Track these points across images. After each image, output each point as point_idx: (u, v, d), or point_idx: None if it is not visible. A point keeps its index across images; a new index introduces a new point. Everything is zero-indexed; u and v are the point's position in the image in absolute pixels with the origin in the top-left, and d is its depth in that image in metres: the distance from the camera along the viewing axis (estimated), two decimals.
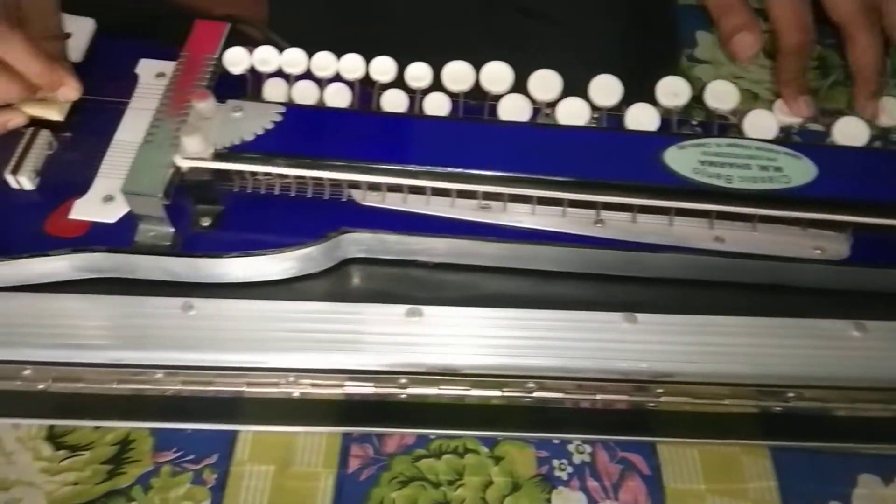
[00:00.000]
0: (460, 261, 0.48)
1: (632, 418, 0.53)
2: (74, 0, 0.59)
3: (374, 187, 0.46)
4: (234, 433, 0.54)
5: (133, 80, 0.51)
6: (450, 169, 0.43)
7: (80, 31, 0.52)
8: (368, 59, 0.48)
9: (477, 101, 0.47)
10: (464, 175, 0.43)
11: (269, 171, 0.44)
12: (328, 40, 0.65)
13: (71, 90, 0.45)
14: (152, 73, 0.52)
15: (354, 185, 0.46)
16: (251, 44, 0.62)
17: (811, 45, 0.48)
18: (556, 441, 0.55)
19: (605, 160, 0.43)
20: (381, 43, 0.62)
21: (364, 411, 0.54)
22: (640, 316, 0.46)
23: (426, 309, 0.46)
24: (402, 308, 0.46)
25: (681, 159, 0.43)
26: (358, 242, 0.47)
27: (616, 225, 0.46)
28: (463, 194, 0.45)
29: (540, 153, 0.44)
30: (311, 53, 0.56)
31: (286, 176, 0.45)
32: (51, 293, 0.45)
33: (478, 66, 0.47)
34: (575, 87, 0.48)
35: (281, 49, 0.49)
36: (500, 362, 0.45)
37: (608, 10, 0.54)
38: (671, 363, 0.45)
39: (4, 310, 0.45)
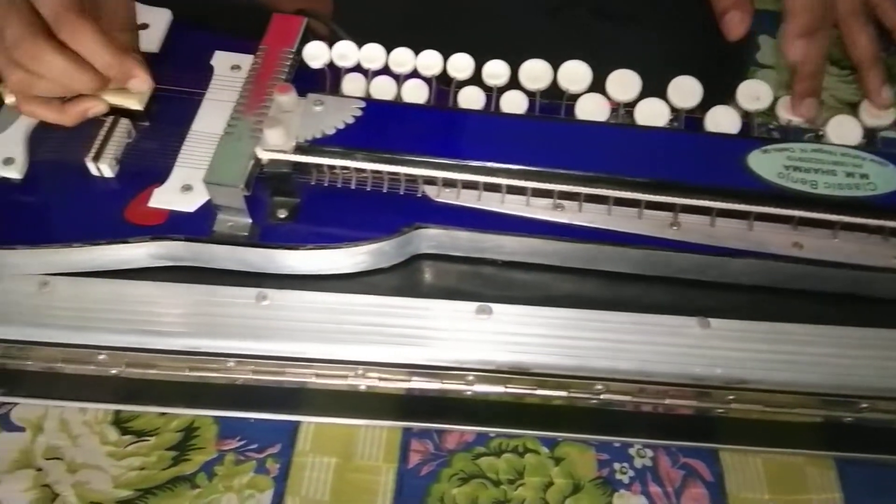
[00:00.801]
0: (531, 260, 0.47)
1: (695, 424, 0.53)
2: None
3: (448, 184, 0.46)
4: (296, 424, 0.54)
5: (208, 71, 0.52)
6: (526, 167, 0.43)
7: (156, 21, 0.53)
8: (445, 57, 0.48)
9: (553, 101, 0.47)
10: (540, 173, 0.43)
11: (347, 166, 0.44)
12: (394, 36, 0.66)
13: (141, 82, 0.46)
14: (227, 66, 0.52)
15: (430, 181, 0.46)
16: (316, 38, 0.63)
17: (827, 29, 0.47)
18: (616, 444, 0.54)
19: (687, 162, 0.43)
20: (450, 41, 0.62)
21: (424, 406, 0.54)
22: (713, 321, 0.46)
23: (496, 307, 0.46)
24: (471, 305, 0.46)
25: (765, 163, 0.42)
26: (430, 238, 0.47)
27: (693, 228, 0.45)
28: (538, 193, 0.45)
29: (618, 153, 0.43)
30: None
31: (363, 170, 0.45)
32: (128, 279, 0.46)
33: (551, 66, 0.47)
34: (649, 87, 0.47)
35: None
36: (570, 363, 0.45)
37: (681, 10, 0.54)
38: (745, 370, 0.45)
39: (83, 294, 0.46)
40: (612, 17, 0.56)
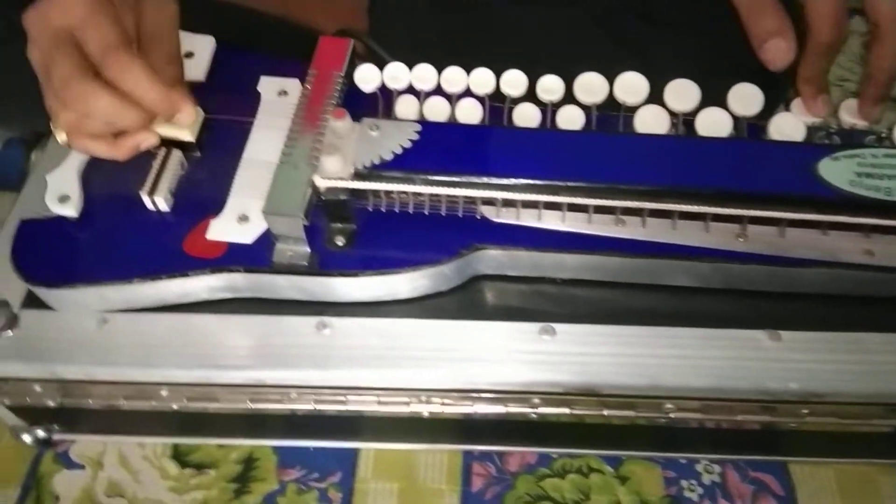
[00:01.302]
0: (594, 277, 0.47)
1: (763, 437, 0.52)
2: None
3: (508, 203, 0.45)
4: (356, 450, 0.54)
5: (255, 97, 0.51)
6: (589, 184, 0.43)
7: (201, 49, 0.53)
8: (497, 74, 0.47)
9: (610, 112, 0.46)
10: (603, 189, 0.42)
11: (406, 190, 0.43)
12: (431, 53, 0.65)
13: (187, 115, 0.45)
14: (274, 91, 0.51)
15: (488, 201, 0.45)
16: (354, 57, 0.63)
17: (841, 43, 0.45)
18: (682, 461, 0.53)
19: (754, 172, 0.42)
20: (489, 55, 0.61)
21: (485, 428, 0.53)
22: (784, 333, 0.45)
23: (559, 326, 0.45)
24: (534, 326, 0.46)
25: (835, 171, 0.41)
26: (489, 259, 0.46)
27: (761, 238, 0.44)
28: (600, 210, 0.44)
29: (683, 165, 0.42)
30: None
31: (421, 193, 0.44)
32: (189, 313, 0.46)
33: (606, 78, 0.46)
34: (706, 95, 0.46)
35: (383, 63, 0.49)
36: (639, 382, 0.44)
37: (731, 15, 0.52)
38: (820, 382, 0.43)
39: (144, 330, 0.45)
40: (661, 23, 0.55)
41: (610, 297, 0.47)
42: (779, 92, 0.46)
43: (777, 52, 0.44)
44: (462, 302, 0.47)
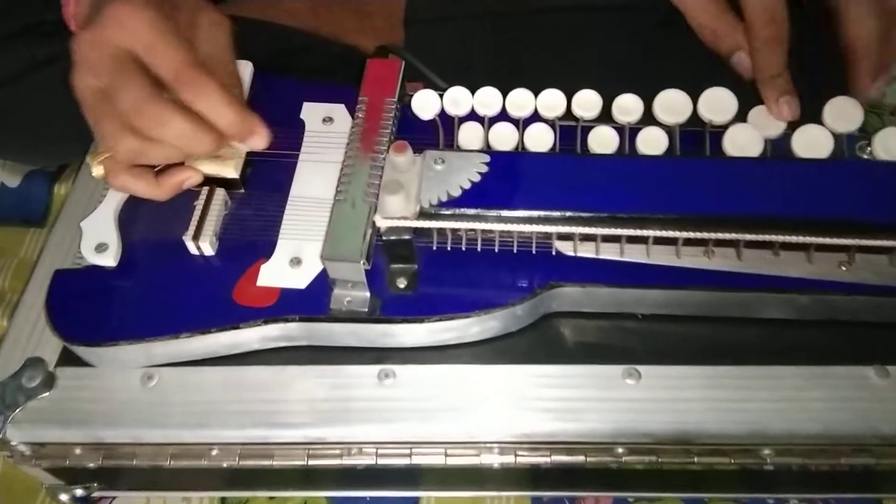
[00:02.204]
0: (681, 311, 0.43)
1: (853, 473, 0.48)
2: None
3: (587, 237, 0.41)
4: (416, 498, 0.50)
5: (298, 125, 0.48)
6: (679, 215, 0.39)
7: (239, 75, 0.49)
8: (536, 92, 0.43)
9: (695, 128, 0.42)
10: (696, 220, 0.38)
11: (477, 228, 0.40)
12: (477, 67, 0.61)
13: (262, 139, 0.41)
14: (318, 118, 0.48)
15: (565, 235, 0.41)
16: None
17: (787, 37, 0.42)
18: (770, 501, 0.49)
19: (863, 196, 0.38)
20: (543, 69, 0.57)
21: (556, 472, 0.49)
22: (892, 369, 0.41)
23: (644, 369, 0.42)
24: (616, 369, 0.42)
25: None
26: (565, 297, 0.42)
27: (867, 267, 0.40)
28: (690, 241, 0.40)
29: (782, 192, 0.38)
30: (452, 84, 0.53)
31: (492, 230, 0.40)
32: (241, 365, 0.42)
33: (689, 95, 0.43)
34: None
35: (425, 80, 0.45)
36: (737, 429, 0.40)
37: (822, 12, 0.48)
38: None
39: (193, 386, 0.42)
40: None
41: (698, 332, 0.43)
42: None
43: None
44: (535, 342, 0.43)
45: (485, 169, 0.39)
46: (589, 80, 0.53)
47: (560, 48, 0.56)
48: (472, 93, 0.47)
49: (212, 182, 0.44)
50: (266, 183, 0.45)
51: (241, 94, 0.42)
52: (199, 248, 0.42)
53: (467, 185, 0.39)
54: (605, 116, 0.43)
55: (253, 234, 0.43)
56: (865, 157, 0.41)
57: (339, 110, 0.48)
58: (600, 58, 0.53)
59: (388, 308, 0.41)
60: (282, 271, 0.42)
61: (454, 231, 0.41)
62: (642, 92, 0.44)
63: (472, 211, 0.38)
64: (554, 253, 0.41)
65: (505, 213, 0.38)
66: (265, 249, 0.43)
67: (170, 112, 0.38)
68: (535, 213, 0.38)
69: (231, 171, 0.43)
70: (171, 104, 0.38)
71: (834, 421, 0.40)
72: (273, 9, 0.65)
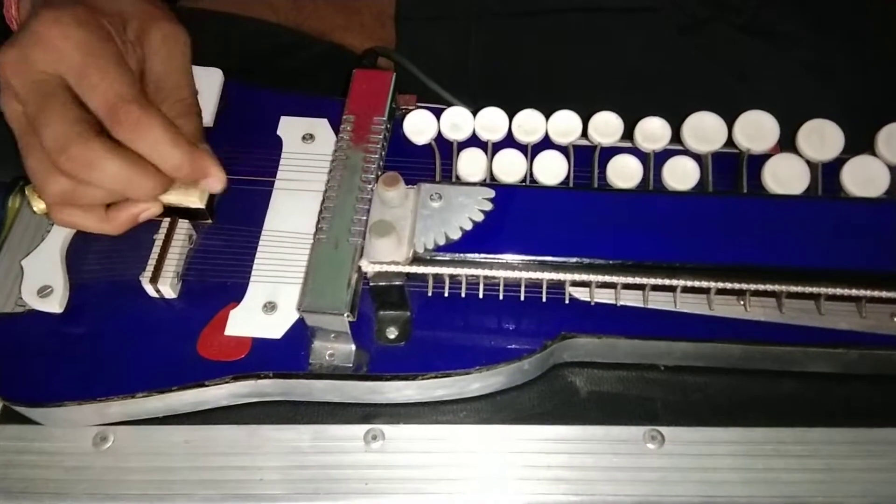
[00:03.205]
0: (710, 364, 0.38)
1: None
2: None
3: (606, 284, 0.36)
4: None
5: (275, 145, 0.42)
6: (711, 264, 0.33)
7: (207, 86, 0.42)
8: (546, 113, 0.38)
9: (729, 151, 0.37)
10: (730, 270, 0.33)
11: (479, 275, 0.34)
12: (467, 74, 0.55)
13: (216, 181, 0.36)
14: (297, 135, 0.42)
15: (581, 281, 0.36)
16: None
17: None
18: None
19: None
20: (549, 75, 0.52)
21: None
22: None
23: (668, 431, 0.37)
24: (637, 431, 0.37)
25: None
26: (579, 348, 0.37)
27: None
28: (724, 290, 0.35)
29: (830, 236, 0.33)
30: (447, 89, 0.47)
31: (497, 276, 0.35)
32: (208, 424, 0.37)
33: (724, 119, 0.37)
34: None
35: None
36: (773, 502, 0.36)
37: (855, 34, 0.42)
38: None
39: (153, 449, 0.36)
40: (766, 33, 0.45)
41: (729, 386, 0.38)
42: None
43: None
44: (544, 397, 0.38)
45: (489, 206, 0.34)
46: (595, 89, 0.48)
47: (564, 52, 0.51)
48: (472, 103, 0.42)
49: (174, 213, 0.38)
50: (238, 213, 0.39)
51: (195, 124, 0.36)
52: (158, 291, 0.37)
53: (468, 226, 0.34)
54: (626, 136, 0.37)
55: (222, 274, 0.38)
56: None
57: (321, 126, 0.42)
58: (609, 65, 0.48)
59: (377, 362, 0.36)
60: (254, 318, 0.36)
61: (453, 276, 0.36)
62: (657, 106, 0.39)
63: (473, 256, 0.33)
64: (567, 300, 0.36)
65: (512, 258, 0.33)
66: (236, 292, 0.37)
67: (101, 154, 0.32)
68: (545, 259, 0.33)
69: (195, 201, 0.37)
70: (103, 144, 0.32)
71: (883, 495, 0.35)
72: (252, 2, 0.59)
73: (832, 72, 0.43)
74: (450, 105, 0.42)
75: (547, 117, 0.37)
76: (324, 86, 0.49)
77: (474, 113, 0.37)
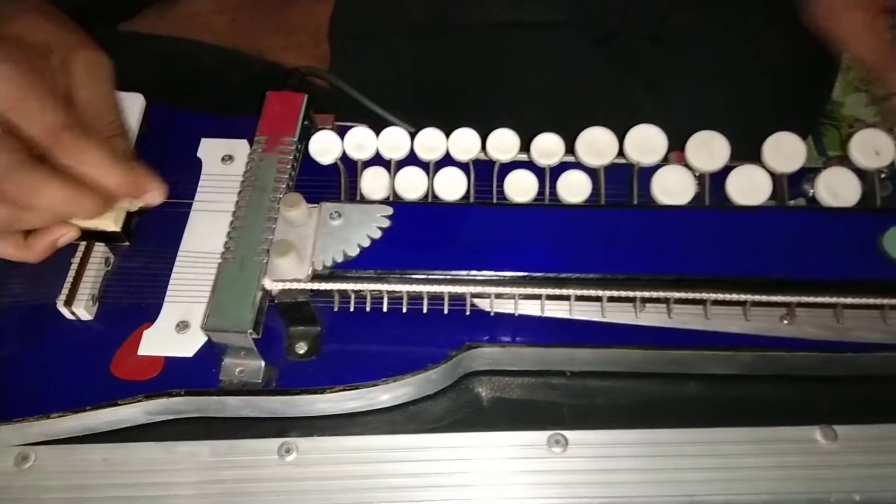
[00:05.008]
0: (612, 368, 0.39)
1: None
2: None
3: (503, 295, 0.37)
4: None
5: (196, 166, 0.43)
6: (602, 275, 0.35)
7: (128, 110, 0.43)
8: (482, 131, 0.39)
9: (621, 164, 0.38)
10: (620, 281, 0.34)
11: (377, 289, 0.35)
12: (406, 87, 0.57)
13: (158, 195, 0.37)
14: (217, 156, 0.43)
15: (479, 294, 0.37)
16: (317, 93, 0.54)
17: None
18: None
19: (806, 251, 0.34)
20: (473, 89, 0.53)
21: None
22: (841, 430, 0.37)
23: (572, 435, 0.38)
24: (542, 435, 0.38)
25: None
26: (485, 357, 0.38)
27: (812, 321, 0.37)
28: (616, 298, 0.36)
29: (715, 246, 0.34)
30: (380, 105, 0.48)
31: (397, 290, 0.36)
32: (128, 442, 0.38)
33: (615, 133, 0.39)
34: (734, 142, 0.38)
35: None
36: (672, 501, 0.37)
37: (756, 42, 0.44)
38: (890, 493, 0.36)
39: (74, 467, 0.37)
40: (677, 47, 0.46)
41: (633, 389, 0.39)
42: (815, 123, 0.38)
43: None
44: (454, 406, 0.39)
45: (387, 223, 0.35)
46: (519, 103, 0.49)
47: (489, 68, 0.52)
48: (405, 118, 0.43)
49: (92, 237, 0.39)
50: (155, 235, 0.40)
51: (126, 144, 0.37)
52: (73, 313, 0.38)
53: (366, 243, 0.35)
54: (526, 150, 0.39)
55: (138, 296, 0.39)
56: (806, 200, 0.38)
57: (240, 147, 0.43)
58: (530, 79, 0.49)
59: (287, 377, 0.37)
60: (167, 338, 0.37)
61: (358, 292, 0.37)
62: (574, 118, 0.40)
63: (370, 273, 0.34)
64: (468, 312, 0.37)
65: (408, 274, 0.34)
66: (151, 313, 0.38)
67: (44, 179, 0.34)
68: (441, 276, 0.34)
69: (110, 224, 0.38)
70: (44, 169, 0.34)
71: (776, 493, 0.36)
72: (189, 23, 0.60)
73: (734, 81, 0.45)
74: (383, 120, 0.44)
75: (478, 131, 0.38)
76: (261, 105, 0.50)
77: (406, 113, 0.38)
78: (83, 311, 0.38)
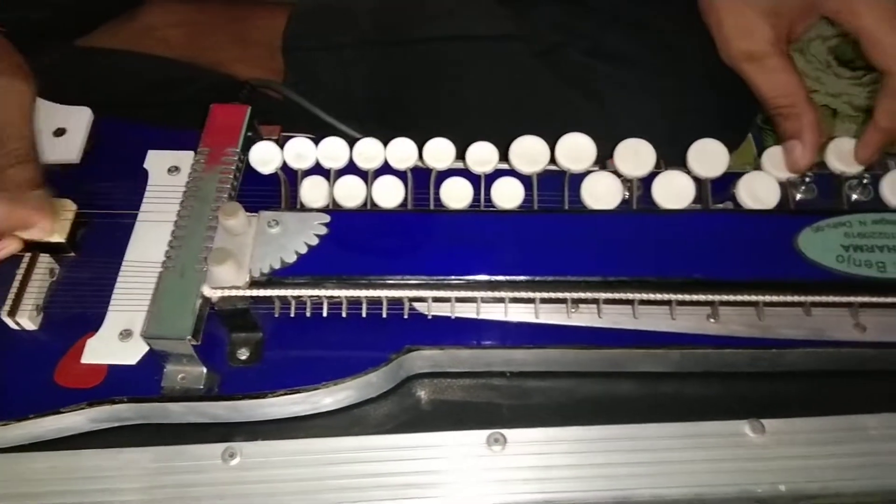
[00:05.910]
0: (548, 368, 0.40)
1: None
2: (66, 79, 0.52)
3: (441, 298, 0.38)
4: None
5: (142, 177, 0.44)
6: (532, 277, 0.36)
7: (75, 124, 0.45)
8: (418, 138, 0.40)
9: (554, 172, 0.40)
10: (549, 283, 0.36)
11: (314, 295, 0.36)
12: (352, 100, 0.58)
13: (41, 231, 0.38)
14: (163, 168, 0.44)
15: (418, 297, 0.38)
16: (272, 104, 0.55)
17: None
18: None
19: (725, 252, 0.35)
20: (422, 99, 0.54)
21: None
22: (768, 423, 0.39)
23: (510, 433, 0.39)
24: (481, 434, 0.39)
25: (819, 244, 0.35)
26: (425, 359, 0.39)
27: (736, 319, 0.38)
28: (549, 300, 0.38)
29: (640, 248, 0.36)
30: (334, 115, 0.49)
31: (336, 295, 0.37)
32: (75, 449, 0.38)
33: (546, 142, 0.40)
34: (658, 146, 0.40)
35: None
36: (600, 498, 0.38)
37: (687, 56, 0.45)
38: (816, 482, 0.38)
39: (20, 475, 0.38)
40: (614, 58, 0.48)
41: (567, 388, 0.40)
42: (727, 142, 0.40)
43: (793, 155, 0.39)
44: (397, 408, 0.40)
45: (324, 231, 0.36)
46: (468, 113, 0.50)
47: (439, 80, 0.53)
48: (359, 128, 0.44)
49: (37, 248, 0.40)
50: (101, 245, 0.41)
51: (29, 173, 0.37)
52: (18, 323, 0.38)
53: (303, 250, 0.36)
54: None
55: (83, 305, 0.39)
56: (731, 203, 0.39)
57: (187, 158, 0.44)
58: (478, 90, 0.51)
59: (229, 383, 0.38)
60: (110, 346, 0.38)
61: (297, 298, 0.38)
62: (518, 129, 0.42)
63: (306, 279, 0.35)
64: (406, 315, 0.38)
65: (344, 280, 0.35)
66: (96, 322, 0.39)
67: None
68: (376, 281, 0.35)
69: (56, 235, 0.39)
70: None
71: (705, 485, 0.37)
72: (146, 37, 0.61)
73: (669, 91, 0.46)
74: (335, 130, 0.45)
75: (419, 144, 0.40)
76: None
77: (359, 125, 0.39)
78: (27, 321, 0.38)
